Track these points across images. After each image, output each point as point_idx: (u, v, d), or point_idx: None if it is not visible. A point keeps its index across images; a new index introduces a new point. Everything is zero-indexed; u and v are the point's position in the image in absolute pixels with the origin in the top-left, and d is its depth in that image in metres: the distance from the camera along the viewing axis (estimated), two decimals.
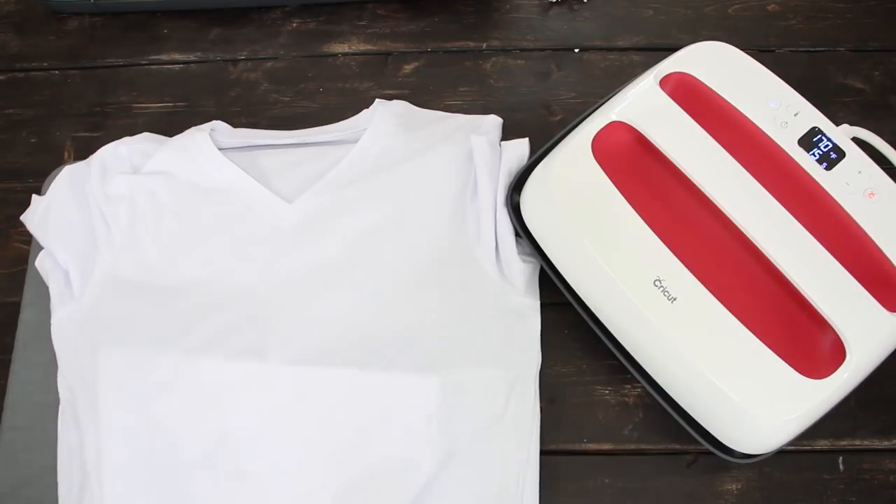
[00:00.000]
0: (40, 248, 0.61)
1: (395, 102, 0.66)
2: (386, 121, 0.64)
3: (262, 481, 0.54)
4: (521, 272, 0.60)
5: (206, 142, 0.62)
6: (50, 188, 0.61)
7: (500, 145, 0.63)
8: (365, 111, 0.66)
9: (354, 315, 0.57)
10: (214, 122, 0.65)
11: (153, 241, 0.59)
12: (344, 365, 0.56)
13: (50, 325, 0.59)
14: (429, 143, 0.63)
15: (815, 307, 0.51)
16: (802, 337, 0.54)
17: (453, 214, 0.61)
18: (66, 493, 0.55)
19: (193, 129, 0.64)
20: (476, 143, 0.62)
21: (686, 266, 0.53)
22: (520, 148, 0.63)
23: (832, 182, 0.54)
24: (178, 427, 0.55)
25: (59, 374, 0.57)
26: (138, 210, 0.60)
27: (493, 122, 0.65)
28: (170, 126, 0.68)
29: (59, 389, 0.57)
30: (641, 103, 0.57)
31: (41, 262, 0.60)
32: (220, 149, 0.62)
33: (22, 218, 0.62)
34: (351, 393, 0.55)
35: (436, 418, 0.55)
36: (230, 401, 0.55)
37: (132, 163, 0.62)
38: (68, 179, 0.61)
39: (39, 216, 0.61)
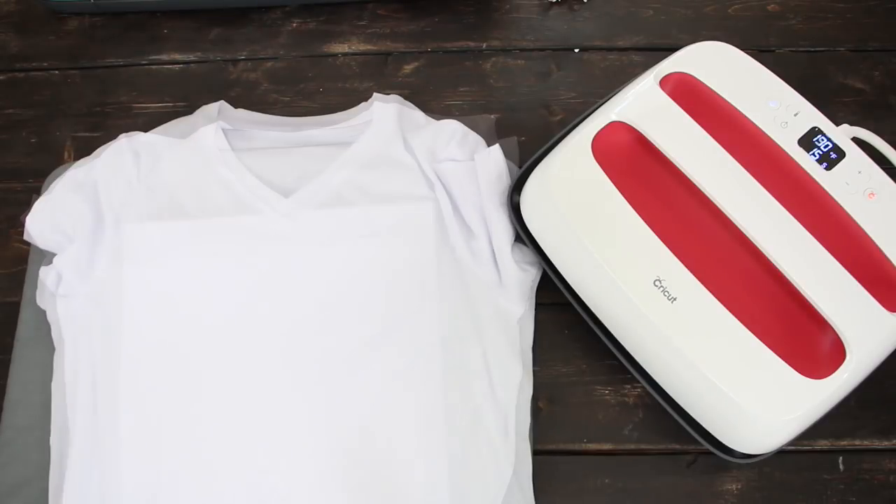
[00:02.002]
0: (40, 248, 0.61)
1: (392, 106, 0.65)
2: (380, 128, 0.64)
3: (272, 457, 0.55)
4: (517, 279, 0.60)
5: (217, 152, 0.63)
6: (51, 192, 0.61)
7: (475, 158, 0.62)
8: (363, 105, 0.66)
9: (347, 316, 0.58)
10: (220, 102, 0.65)
11: (155, 244, 0.60)
12: (340, 366, 0.56)
13: (49, 325, 0.59)
14: (419, 153, 0.63)
15: (815, 307, 0.51)
16: (802, 337, 0.54)
17: (445, 222, 0.61)
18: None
19: (208, 128, 0.64)
20: (445, 170, 0.61)
21: (686, 266, 0.53)
22: (493, 155, 0.62)
23: (832, 182, 0.54)
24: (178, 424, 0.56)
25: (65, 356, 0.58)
26: (143, 209, 0.60)
27: (487, 124, 0.65)
28: None
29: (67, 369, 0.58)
30: (641, 103, 0.57)
31: (45, 274, 0.60)
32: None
33: (23, 218, 0.62)
34: (348, 394, 0.56)
35: (431, 419, 0.55)
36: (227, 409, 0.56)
37: (135, 152, 0.62)
38: (70, 181, 0.61)
39: (40, 219, 0.61)
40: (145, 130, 0.65)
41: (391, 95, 0.66)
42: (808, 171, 0.54)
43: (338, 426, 0.55)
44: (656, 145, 0.56)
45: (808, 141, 0.55)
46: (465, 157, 0.62)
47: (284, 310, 0.58)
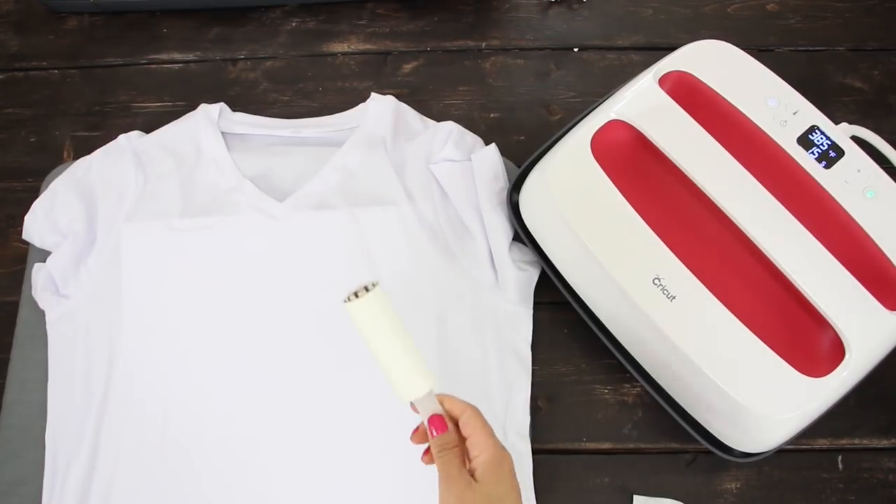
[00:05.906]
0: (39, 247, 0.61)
1: (387, 108, 0.65)
2: (376, 130, 0.64)
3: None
4: (516, 278, 0.60)
5: (215, 155, 0.63)
6: (49, 192, 0.62)
7: (471, 158, 0.62)
8: (361, 106, 0.66)
9: (342, 318, 0.58)
10: (221, 105, 0.65)
11: (153, 244, 0.60)
12: (335, 367, 0.57)
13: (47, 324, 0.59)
14: (417, 154, 0.63)
15: (815, 305, 0.51)
16: (802, 335, 0.54)
17: (441, 222, 0.61)
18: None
19: (207, 130, 0.64)
20: (441, 170, 0.62)
21: (685, 264, 0.53)
22: (489, 155, 0.62)
23: (831, 180, 0.54)
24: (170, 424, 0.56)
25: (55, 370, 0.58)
26: (141, 210, 0.61)
27: (474, 142, 0.65)
28: None
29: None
30: (640, 102, 0.57)
31: (42, 275, 0.60)
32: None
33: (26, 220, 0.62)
34: (342, 394, 0.56)
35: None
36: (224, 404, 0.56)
37: (134, 153, 0.63)
38: (69, 181, 0.62)
39: (38, 219, 0.61)
40: (145, 129, 0.65)
41: (387, 97, 0.66)
42: (807, 169, 0.54)
43: (332, 426, 0.55)
44: (655, 144, 0.55)
45: (807, 139, 0.55)
46: (461, 158, 0.62)
47: (280, 311, 0.58)
